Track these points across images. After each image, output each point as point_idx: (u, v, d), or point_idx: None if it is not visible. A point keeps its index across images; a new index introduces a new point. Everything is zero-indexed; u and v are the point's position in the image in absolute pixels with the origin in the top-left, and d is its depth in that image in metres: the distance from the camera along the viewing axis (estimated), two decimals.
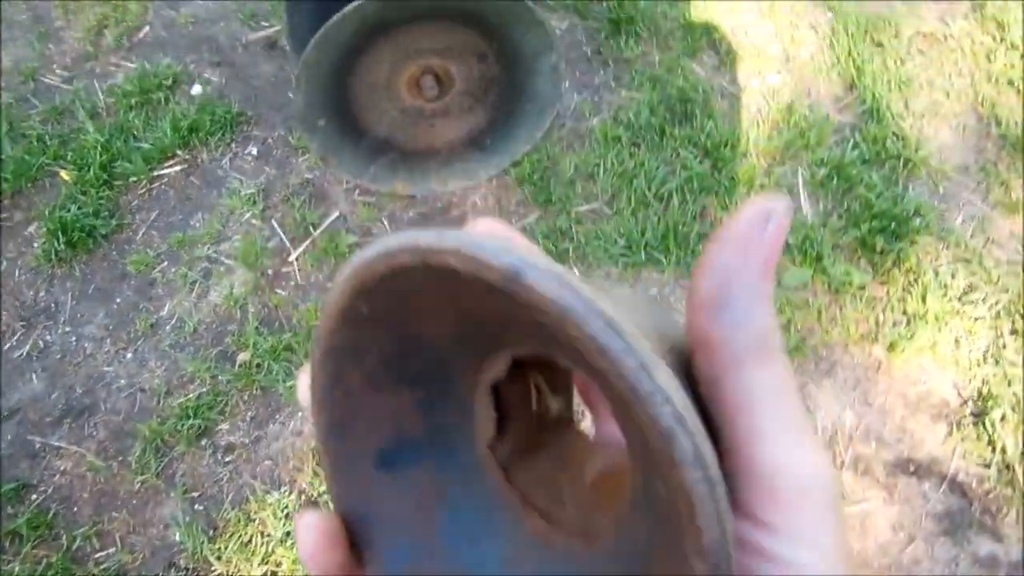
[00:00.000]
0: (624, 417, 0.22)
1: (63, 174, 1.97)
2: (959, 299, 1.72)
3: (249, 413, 1.65)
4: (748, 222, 0.22)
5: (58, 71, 2.22)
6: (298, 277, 1.82)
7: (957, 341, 1.67)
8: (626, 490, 0.25)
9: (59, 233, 1.86)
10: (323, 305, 0.25)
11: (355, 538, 0.28)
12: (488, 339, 0.26)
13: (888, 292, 1.74)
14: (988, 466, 1.53)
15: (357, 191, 1.94)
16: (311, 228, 1.89)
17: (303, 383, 0.28)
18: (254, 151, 2.03)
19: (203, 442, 1.62)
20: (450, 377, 0.27)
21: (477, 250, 0.19)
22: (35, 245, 1.90)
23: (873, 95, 2.03)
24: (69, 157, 2.00)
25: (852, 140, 1.96)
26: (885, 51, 2.13)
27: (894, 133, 1.96)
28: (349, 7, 1.40)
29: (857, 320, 1.71)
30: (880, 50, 2.14)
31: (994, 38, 2.14)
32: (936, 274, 1.75)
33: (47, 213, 1.90)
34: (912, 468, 1.55)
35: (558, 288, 0.18)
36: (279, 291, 1.80)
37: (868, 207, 1.83)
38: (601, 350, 0.18)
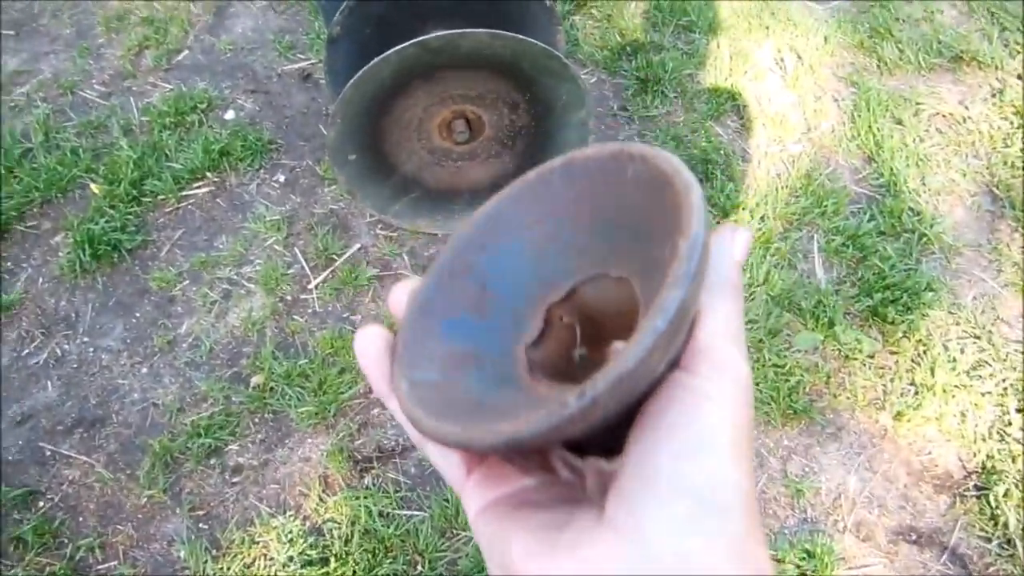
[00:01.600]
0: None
1: (93, 187, 2.01)
2: (967, 373, 1.74)
3: (259, 436, 1.67)
4: (721, 231, 0.33)
5: (96, 86, 2.27)
6: (316, 305, 1.85)
7: (963, 415, 1.69)
8: None
9: (85, 245, 1.89)
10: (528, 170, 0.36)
11: (395, 354, 0.35)
12: (596, 247, 0.35)
13: (897, 362, 1.77)
14: (989, 540, 1.54)
15: (380, 225, 1.97)
16: (333, 258, 1.92)
17: (396, 294, 0.36)
18: (281, 179, 2.07)
19: (212, 461, 1.63)
20: (525, 296, 0.36)
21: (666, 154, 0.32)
22: (60, 255, 1.93)
23: (891, 169, 2.08)
24: (101, 171, 2.04)
25: (869, 212, 2.00)
26: (905, 128, 2.18)
27: (910, 208, 2.00)
28: (391, 51, 1.45)
29: (865, 387, 1.73)
30: (900, 127, 2.19)
31: (1011, 123, 2.19)
32: (946, 348, 1.78)
33: (75, 224, 1.93)
34: (914, 537, 1.55)
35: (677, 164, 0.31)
36: (297, 317, 1.83)
37: (881, 277, 1.86)
38: (677, 171, 0.30)
